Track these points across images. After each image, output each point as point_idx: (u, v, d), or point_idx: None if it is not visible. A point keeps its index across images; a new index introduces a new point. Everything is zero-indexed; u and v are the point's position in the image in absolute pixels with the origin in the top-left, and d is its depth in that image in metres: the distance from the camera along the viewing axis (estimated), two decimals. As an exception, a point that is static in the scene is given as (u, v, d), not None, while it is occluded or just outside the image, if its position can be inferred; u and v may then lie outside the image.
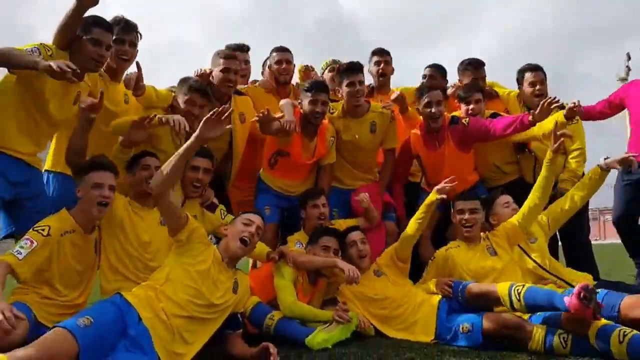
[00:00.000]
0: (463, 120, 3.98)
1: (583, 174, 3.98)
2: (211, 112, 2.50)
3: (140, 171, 3.12)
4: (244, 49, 4.43)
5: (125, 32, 3.38)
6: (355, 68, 3.95)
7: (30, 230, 2.67)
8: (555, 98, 3.70)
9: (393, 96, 4.35)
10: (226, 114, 2.50)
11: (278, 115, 3.73)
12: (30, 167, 3.07)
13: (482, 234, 3.51)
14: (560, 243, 4.27)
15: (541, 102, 3.66)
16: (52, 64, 2.65)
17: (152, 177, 2.72)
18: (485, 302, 2.92)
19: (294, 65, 4.48)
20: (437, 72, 4.71)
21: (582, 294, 2.46)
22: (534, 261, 3.45)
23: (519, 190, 3.99)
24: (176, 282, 2.55)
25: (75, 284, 2.81)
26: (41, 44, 2.95)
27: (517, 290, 2.75)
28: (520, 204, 3.87)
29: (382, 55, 4.64)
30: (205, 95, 3.47)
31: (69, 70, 2.68)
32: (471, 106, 4.14)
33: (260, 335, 2.96)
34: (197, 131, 2.50)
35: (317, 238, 3.44)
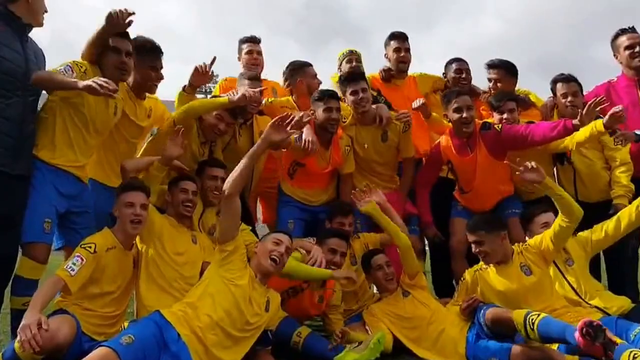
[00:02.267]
0: (496, 126, 3.84)
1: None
2: (277, 117, 2.78)
3: (178, 193, 3.27)
4: (256, 40, 4.60)
5: (158, 57, 3.45)
6: (356, 76, 3.93)
7: (79, 247, 2.82)
8: (602, 98, 3.53)
9: (415, 104, 4.20)
10: (290, 120, 2.76)
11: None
12: (80, 182, 3.17)
13: (517, 246, 3.35)
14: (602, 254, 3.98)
15: (587, 104, 3.48)
16: (92, 83, 2.80)
17: (189, 200, 3.23)
18: (505, 328, 2.88)
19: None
20: (504, 74, 4.37)
21: (584, 331, 2.40)
22: (570, 285, 3.33)
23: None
24: (215, 296, 2.68)
25: (115, 297, 2.93)
26: (73, 61, 3.07)
27: (532, 319, 2.70)
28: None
29: (402, 41, 4.48)
30: (234, 115, 3.70)
31: (107, 86, 2.80)
32: (505, 116, 3.96)
33: (287, 350, 3.05)
34: (264, 134, 2.78)
35: (325, 238, 3.45)
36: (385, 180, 4.13)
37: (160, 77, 3.47)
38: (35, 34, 3.14)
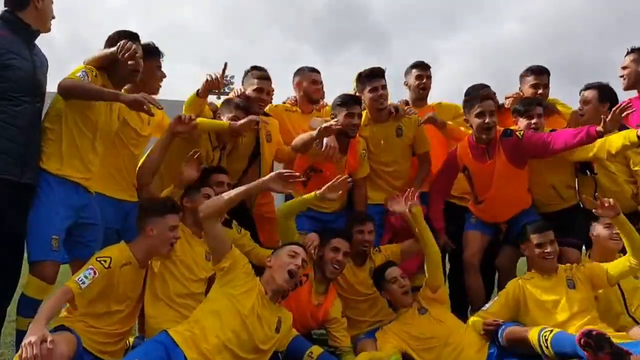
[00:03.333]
0: (517, 133, 3.72)
1: None
2: (286, 171, 2.81)
3: (201, 199, 3.14)
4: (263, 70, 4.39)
5: (159, 57, 3.47)
6: (376, 73, 3.87)
7: (94, 259, 2.73)
8: (628, 104, 3.38)
9: (425, 117, 4.10)
10: (296, 179, 2.79)
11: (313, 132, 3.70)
12: (87, 192, 3.08)
13: (567, 265, 3.35)
14: None
15: (612, 109, 3.34)
16: (140, 97, 2.85)
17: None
18: (522, 347, 2.80)
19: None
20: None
21: (582, 341, 2.35)
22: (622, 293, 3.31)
23: (576, 220, 3.79)
24: (221, 315, 2.59)
25: (123, 316, 2.85)
26: (85, 66, 3.02)
27: (545, 336, 2.64)
28: (574, 235, 3.70)
29: (424, 69, 4.46)
30: (248, 113, 3.61)
31: (154, 104, 2.89)
32: (534, 120, 3.82)
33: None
34: (266, 179, 2.74)
35: (328, 239, 3.39)
36: (400, 183, 4.01)
37: (163, 76, 3.48)
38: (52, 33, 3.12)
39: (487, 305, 3.34)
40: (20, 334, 2.74)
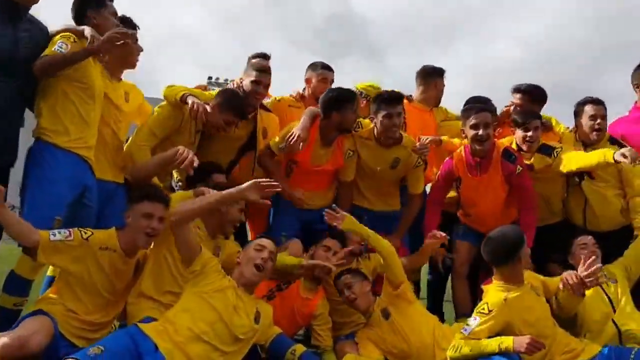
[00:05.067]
0: (517, 167, 3.71)
1: None
2: (264, 181, 2.68)
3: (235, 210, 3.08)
4: (267, 57, 4.32)
5: (134, 29, 3.32)
6: (395, 98, 3.71)
7: (76, 228, 2.66)
8: None
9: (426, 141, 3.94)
10: (273, 188, 2.68)
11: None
12: (93, 174, 2.98)
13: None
14: None
15: None
16: (107, 37, 2.77)
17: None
18: None
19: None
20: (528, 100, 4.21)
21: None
22: (608, 298, 3.28)
23: (564, 235, 3.76)
24: (193, 312, 2.53)
25: (103, 303, 2.75)
26: (61, 35, 2.91)
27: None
28: (563, 251, 3.66)
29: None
30: (242, 117, 3.55)
31: (122, 32, 2.78)
32: (529, 133, 3.82)
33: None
34: (243, 187, 2.64)
35: (319, 238, 3.37)
36: (384, 197, 3.98)
37: (140, 49, 3.32)
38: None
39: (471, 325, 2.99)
40: (4, 311, 2.69)
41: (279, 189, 2.79)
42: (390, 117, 3.66)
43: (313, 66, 4.28)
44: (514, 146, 3.88)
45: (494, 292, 2.98)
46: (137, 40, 3.34)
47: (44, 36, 2.98)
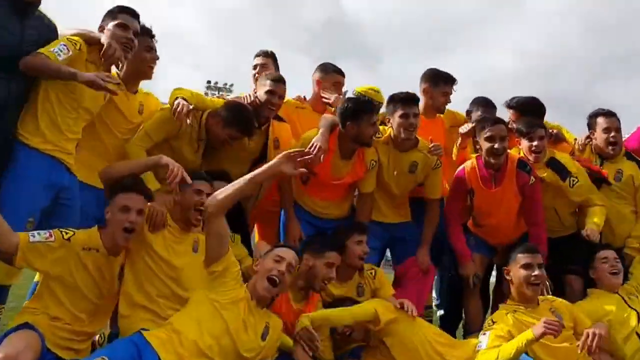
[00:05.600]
0: (531, 178, 3.60)
1: None
2: (296, 151, 2.49)
3: (191, 194, 2.84)
4: (268, 54, 4.24)
5: (151, 38, 3.22)
6: (411, 99, 3.58)
7: (57, 229, 2.51)
8: None
9: (463, 129, 3.89)
10: (306, 156, 2.50)
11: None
12: (70, 174, 2.82)
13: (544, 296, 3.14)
14: None
15: None
16: (94, 77, 2.59)
17: (202, 203, 2.69)
18: None
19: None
20: (489, 110, 4.13)
21: None
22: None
23: (577, 249, 3.65)
24: (201, 322, 2.37)
25: (90, 308, 2.57)
26: (67, 38, 2.78)
27: None
28: (572, 264, 3.60)
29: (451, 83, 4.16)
30: (247, 134, 3.38)
31: (110, 81, 2.60)
32: (535, 143, 3.71)
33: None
34: (274, 162, 2.46)
35: (321, 251, 3.06)
36: (396, 206, 3.82)
37: (155, 58, 3.22)
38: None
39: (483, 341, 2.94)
40: None
41: (311, 156, 2.62)
42: (407, 117, 3.51)
43: (325, 69, 4.09)
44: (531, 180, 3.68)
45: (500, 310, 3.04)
46: (153, 49, 3.21)
47: (52, 35, 2.86)
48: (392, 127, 3.61)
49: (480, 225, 3.80)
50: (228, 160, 3.49)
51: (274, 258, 2.59)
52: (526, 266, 3.02)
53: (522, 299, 3.05)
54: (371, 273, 3.38)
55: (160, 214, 2.79)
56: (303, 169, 2.52)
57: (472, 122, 3.91)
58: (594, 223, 3.54)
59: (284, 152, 2.48)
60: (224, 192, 2.44)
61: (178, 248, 2.81)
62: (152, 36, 3.23)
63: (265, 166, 2.51)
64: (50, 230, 2.47)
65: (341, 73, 4.11)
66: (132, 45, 2.95)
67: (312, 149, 3.26)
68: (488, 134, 3.54)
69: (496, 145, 3.50)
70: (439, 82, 4.07)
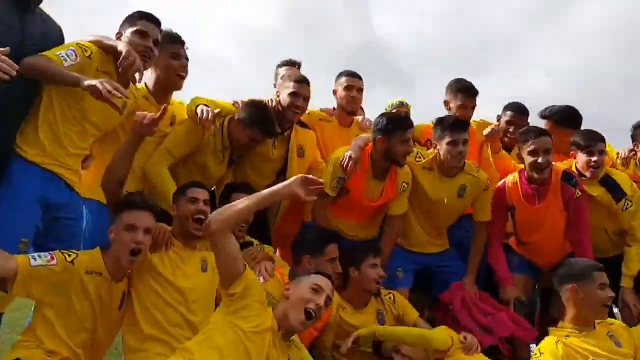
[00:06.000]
0: (577, 191, 3.32)
1: None
2: (313, 178, 2.28)
3: (186, 204, 2.60)
4: (295, 64, 4.01)
5: (181, 46, 2.97)
6: (461, 125, 3.33)
7: (58, 251, 2.28)
8: None
9: (486, 131, 3.63)
10: (319, 189, 2.30)
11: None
12: (72, 190, 2.55)
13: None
14: None
15: None
16: (98, 84, 2.27)
17: (199, 212, 2.54)
18: None
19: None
20: (521, 117, 3.90)
21: None
22: None
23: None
24: (223, 350, 2.07)
25: (87, 341, 2.29)
26: (77, 43, 2.52)
27: None
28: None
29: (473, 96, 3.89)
30: (270, 134, 3.15)
31: (115, 93, 2.28)
32: (594, 158, 3.40)
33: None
34: (290, 182, 2.25)
35: (322, 247, 2.87)
36: (436, 234, 3.53)
37: (184, 66, 2.95)
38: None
39: None
40: None
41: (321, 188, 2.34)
42: (455, 145, 3.24)
43: (338, 76, 3.80)
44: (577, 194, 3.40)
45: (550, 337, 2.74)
46: (181, 56, 2.96)
47: (57, 36, 2.62)
48: (438, 152, 3.34)
49: (523, 243, 3.52)
50: (253, 172, 3.29)
51: (311, 287, 2.28)
52: (603, 286, 2.73)
53: (579, 322, 2.72)
54: (390, 298, 3.11)
55: (166, 232, 2.55)
56: (314, 198, 2.31)
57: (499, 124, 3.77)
58: (629, 278, 3.32)
59: (302, 175, 2.29)
60: (229, 209, 2.18)
61: (185, 269, 2.54)
62: (181, 43, 2.99)
63: (279, 186, 2.30)
64: (52, 253, 2.24)
65: (353, 75, 3.75)
66: (151, 55, 2.68)
67: (344, 160, 3.13)
68: (531, 147, 3.27)
69: (540, 160, 3.24)
70: (457, 94, 3.83)
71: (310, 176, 2.29)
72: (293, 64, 3.97)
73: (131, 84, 2.73)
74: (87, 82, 2.30)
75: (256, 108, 3.13)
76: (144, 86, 2.94)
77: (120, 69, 2.52)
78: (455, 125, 3.30)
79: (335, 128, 3.71)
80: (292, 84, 3.32)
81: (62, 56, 2.41)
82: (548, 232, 3.36)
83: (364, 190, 3.30)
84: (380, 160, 3.27)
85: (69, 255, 2.25)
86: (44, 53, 2.41)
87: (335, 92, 3.79)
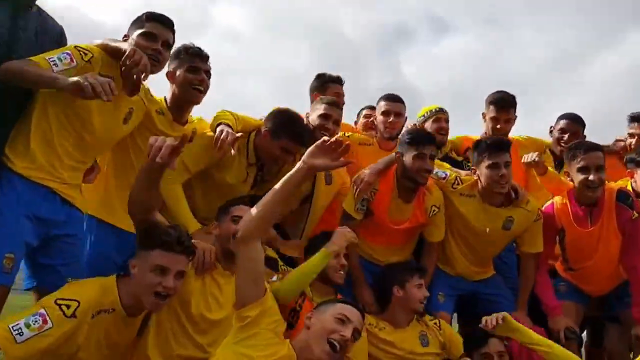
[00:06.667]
0: (634, 213, 3.01)
1: None
2: (324, 139, 1.96)
3: (228, 223, 2.37)
4: (340, 81, 3.80)
5: (200, 59, 2.70)
6: (501, 146, 3.02)
7: (52, 300, 1.92)
8: None
9: (527, 158, 3.28)
10: (343, 147, 1.92)
11: None
12: (69, 206, 2.32)
13: None
14: None
15: None
16: (81, 80, 2.00)
17: None
18: None
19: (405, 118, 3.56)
20: (575, 126, 3.62)
21: None
22: None
23: None
24: None
25: None
26: (75, 46, 2.27)
27: None
28: None
29: (504, 109, 3.56)
30: (303, 143, 2.78)
31: (103, 88, 2.01)
32: None
33: None
34: (304, 158, 1.95)
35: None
36: (480, 265, 3.26)
37: (201, 79, 2.67)
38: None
39: None
40: None
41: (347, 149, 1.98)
42: (497, 168, 2.93)
43: (378, 101, 3.56)
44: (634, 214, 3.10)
45: None
46: (199, 70, 2.69)
47: (56, 36, 2.40)
48: (478, 177, 3.04)
49: (573, 269, 3.22)
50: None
51: (337, 316, 2.04)
52: None
53: None
54: (435, 324, 2.91)
55: (211, 252, 2.33)
56: (342, 160, 2.00)
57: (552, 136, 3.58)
58: None
59: (316, 144, 1.96)
60: (253, 210, 1.97)
61: (221, 298, 2.32)
62: (200, 56, 2.71)
63: (295, 168, 1.98)
64: (44, 310, 1.87)
65: (392, 99, 3.49)
66: (160, 58, 2.46)
67: (355, 183, 2.98)
68: (581, 163, 2.97)
69: (591, 177, 2.93)
70: (490, 105, 3.59)
71: (326, 139, 1.98)
72: (338, 80, 3.76)
73: (142, 92, 2.49)
74: (65, 82, 2.04)
75: (283, 115, 2.90)
76: (162, 99, 2.72)
77: (123, 69, 2.25)
78: (493, 145, 3.00)
79: (375, 152, 3.41)
80: (323, 105, 3.13)
81: (52, 60, 2.16)
82: (601, 257, 3.07)
83: (388, 212, 3.09)
84: (402, 179, 3.05)
85: (68, 306, 1.89)
86: (32, 58, 2.16)
87: (375, 116, 3.56)
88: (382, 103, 3.49)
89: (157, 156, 1.90)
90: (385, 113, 3.45)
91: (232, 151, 2.64)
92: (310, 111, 3.26)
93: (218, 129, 2.63)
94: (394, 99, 3.49)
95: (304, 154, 2.20)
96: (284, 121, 2.84)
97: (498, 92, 3.65)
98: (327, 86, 3.64)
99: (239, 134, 2.65)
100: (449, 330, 2.91)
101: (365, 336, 2.54)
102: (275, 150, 2.81)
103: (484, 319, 2.53)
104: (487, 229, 3.06)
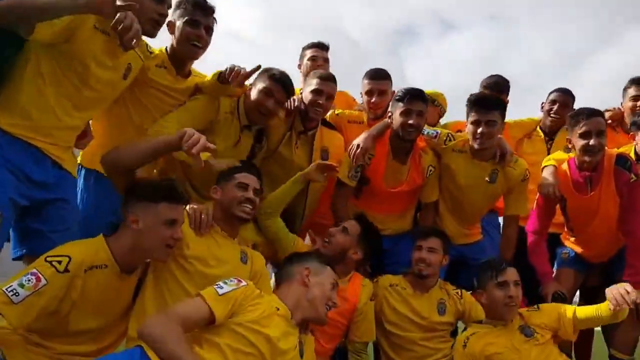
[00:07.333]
0: (632, 175, 2.97)
1: None
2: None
3: (233, 189, 2.36)
4: (323, 47, 3.78)
5: (202, 13, 2.59)
6: (487, 102, 3.01)
7: (42, 259, 1.86)
8: None
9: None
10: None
11: None
12: (59, 168, 2.19)
13: None
14: None
15: None
16: (121, 14, 1.94)
17: (248, 200, 2.35)
18: None
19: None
20: (565, 97, 3.67)
21: None
22: None
23: None
24: (227, 349, 1.83)
25: (92, 336, 2.02)
26: None
27: None
28: None
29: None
30: (287, 90, 2.83)
31: (134, 37, 1.98)
32: None
33: None
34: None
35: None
36: (465, 224, 3.27)
37: (200, 35, 2.57)
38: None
39: None
40: None
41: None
42: (477, 124, 2.95)
43: (363, 78, 3.44)
44: (632, 155, 3.14)
45: None
46: (203, 26, 2.58)
47: None
48: (467, 133, 3.06)
49: (576, 236, 3.23)
50: (276, 175, 2.97)
51: (332, 282, 2.23)
52: None
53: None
54: (457, 293, 2.95)
55: (205, 210, 2.30)
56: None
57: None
58: None
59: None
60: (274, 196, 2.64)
61: (220, 254, 2.28)
62: (203, 10, 2.59)
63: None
64: (36, 269, 1.81)
65: (378, 77, 3.35)
66: (161, 22, 2.37)
67: (351, 149, 2.97)
68: (583, 128, 2.94)
69: (592, 142, 2.91)
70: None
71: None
72: (321, 47, 3.74)
73: (143, 45, 2.45)
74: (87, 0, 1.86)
75: (273, 69, 2.84)
76: (164, 51, 2.64)
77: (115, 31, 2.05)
78: (480, 101, 3.01)
79: (361, 129, 3.26)
80: (315, 80, 3.03)
81: None
82: (601, 220, 3.06)
83: (384, 176, 3.09)
84: (394, 138, 3.03)
85: (59, 262, 1.84)
86: None
87: (361, 93, 3.46)
88: (365, 81, 3.39)
89: (193, 148, 2.00)
90: (368, 92, 3.36)
91: (244, 87, 2.71)
92: (303, 86, 3.20)
93: (229, 68, 2.62)
94: (377, 76, 3.37)
95: (284, 101, 2.65)
96: (263, 70, 2.79)
97: (491, 75, 3.77)
98: (304, 53, 3.66)
99: (250, 69, 2.65)
100: (469, 299, 2.92)
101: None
102: (257, 96, 2.75)
103: (612, 295, 2.48)
104: (472, 182, 3.08)
